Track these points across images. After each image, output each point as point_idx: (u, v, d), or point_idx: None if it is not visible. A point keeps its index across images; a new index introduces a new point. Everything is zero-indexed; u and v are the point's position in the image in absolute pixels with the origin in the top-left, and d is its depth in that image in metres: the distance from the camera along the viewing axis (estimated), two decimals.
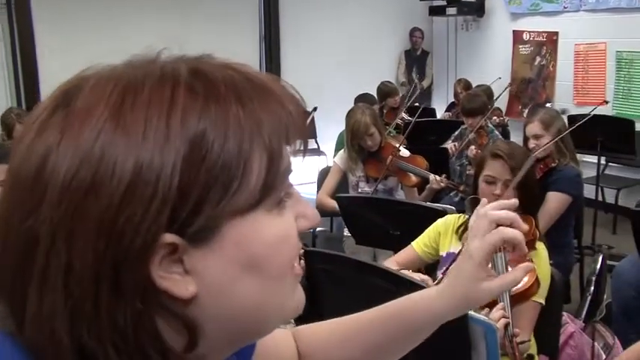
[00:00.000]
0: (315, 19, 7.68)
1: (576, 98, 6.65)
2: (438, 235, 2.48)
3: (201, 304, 0.55)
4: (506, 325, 1.80)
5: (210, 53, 0.60)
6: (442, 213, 2.67)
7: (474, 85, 6.36)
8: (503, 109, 6.87)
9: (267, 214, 0.56)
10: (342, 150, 3.96)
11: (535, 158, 2.82)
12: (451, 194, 4.43)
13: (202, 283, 0.54)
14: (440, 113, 7.04)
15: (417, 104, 5.97)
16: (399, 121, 5.24)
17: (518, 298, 2.06)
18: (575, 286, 3.69)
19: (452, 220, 2.51)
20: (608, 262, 3.02)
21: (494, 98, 5.65)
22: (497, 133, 4.76)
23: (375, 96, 6.00)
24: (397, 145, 3.77)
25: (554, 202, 3.30)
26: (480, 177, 2.42)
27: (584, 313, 2.78)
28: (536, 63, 7.13)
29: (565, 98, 6.73)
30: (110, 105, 0.52)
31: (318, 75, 7.40)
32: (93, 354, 0.52)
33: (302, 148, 0.61)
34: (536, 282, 2.09)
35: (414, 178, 3.79)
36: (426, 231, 2.52)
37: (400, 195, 3.91)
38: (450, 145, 4.63)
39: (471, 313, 0.99)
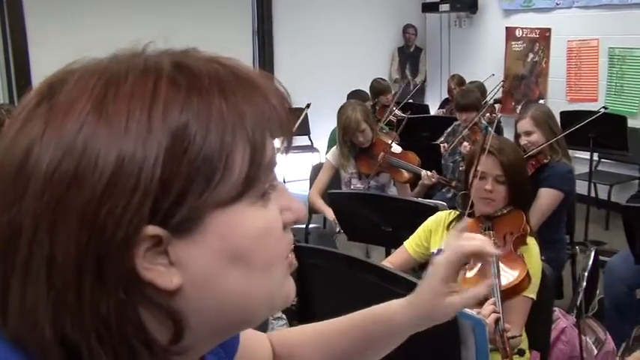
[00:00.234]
0: (308, 15, 7.67)
1: (569, 95, 6.67)
2: (429, 233, 2.48)
3: (186, 296, 0.55)
4: (497, 320, 1.80)
5: (196, 47, 0.60)
6: (434, 209, 2.66)
7: (467, 82, 6.37)
8: (497, 107, 6.88)
9: (250, 206, 0.57)
10: (335, 147, 3.95)
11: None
12: (443, 190, 4.43)
13: (187, 275, 0.54)
14: (433, 110, 7.04)
15: (411, 101, 5.98)
16: (392, 118, 5.24)
17: (509, 293, 2.06)
18: (567, 282, 3.70)
19: (443, 216, 2.51)
20: (601, 258, 3.02)
21: (488, 97, 5.65)
22: (490, 130, 4.75)
23: (369, 92, 5.99)
24: (389, 142, 3.77)
25: (546, 198, 3.31)
26: (470, 172, 2.42)
27: (577, 308, 2.78)
28: (528, 59, 7.14)
29: (558, 95, 6.75)
30: (93, 98, 0.52)
31: (312, 71, 7.40)
32: (77, 345, 0.52)
33: (286, 143, 0.62)
34: (527, 277, 2.09)
35: (405, 174, 3.79)
36: (417, 230, 2.52)
37: (393, 191, 3.91)
38: (441, 145, 4.63)
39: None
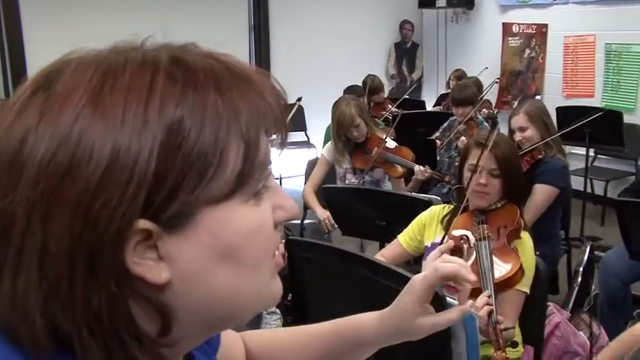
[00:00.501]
0: (305, 10, 7.66)
1: (565, 90, 6.67)
2: (423, 227, 2.48)
3: (174, 291, 0.55)
4: (490, 313, 1.80)
5: (195, 42, 0.60)
6: (428, 203, 2.66)
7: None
8: (493, 101, 6.88)
9: (243, 203, 0.57)
10: (330, 142, 3.95)
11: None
12: (438, 185, 4.43)
13: (176, 270, 0.54)
14: (430, 106, 7.03)
15: (407, 96, 5.97)
16: (387, 115, 5.23)
17: (502, 286, 2.06)
18: (563, 278, 3.70)
19: (436, 210, 2.51)
20: (596, 254, 3.02)
21: (483, 94, 5.64)
22: (486, 125, 4.76)
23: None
24: (384, 137, 3.76)
25: (541, 194, 3.31)
26: (464, 166, 2.42)
27: (572, 303, 2.79)
28: (525, 55, 7.14)
29: (554, 90, 6.75)
30: (90, 89, 0.52)
31: (308, 67, 7.40)
32: (67, 336, 0.52)
33: (281, 140, 0.62)
34: (520, 270, 2.10)
35: (399, 170, 3.79)
36: (411, 224, 2.52)
37: (387, 186, 3.91)
38: (437, 140, 4.63)
39: (450, 300, 0.98)
